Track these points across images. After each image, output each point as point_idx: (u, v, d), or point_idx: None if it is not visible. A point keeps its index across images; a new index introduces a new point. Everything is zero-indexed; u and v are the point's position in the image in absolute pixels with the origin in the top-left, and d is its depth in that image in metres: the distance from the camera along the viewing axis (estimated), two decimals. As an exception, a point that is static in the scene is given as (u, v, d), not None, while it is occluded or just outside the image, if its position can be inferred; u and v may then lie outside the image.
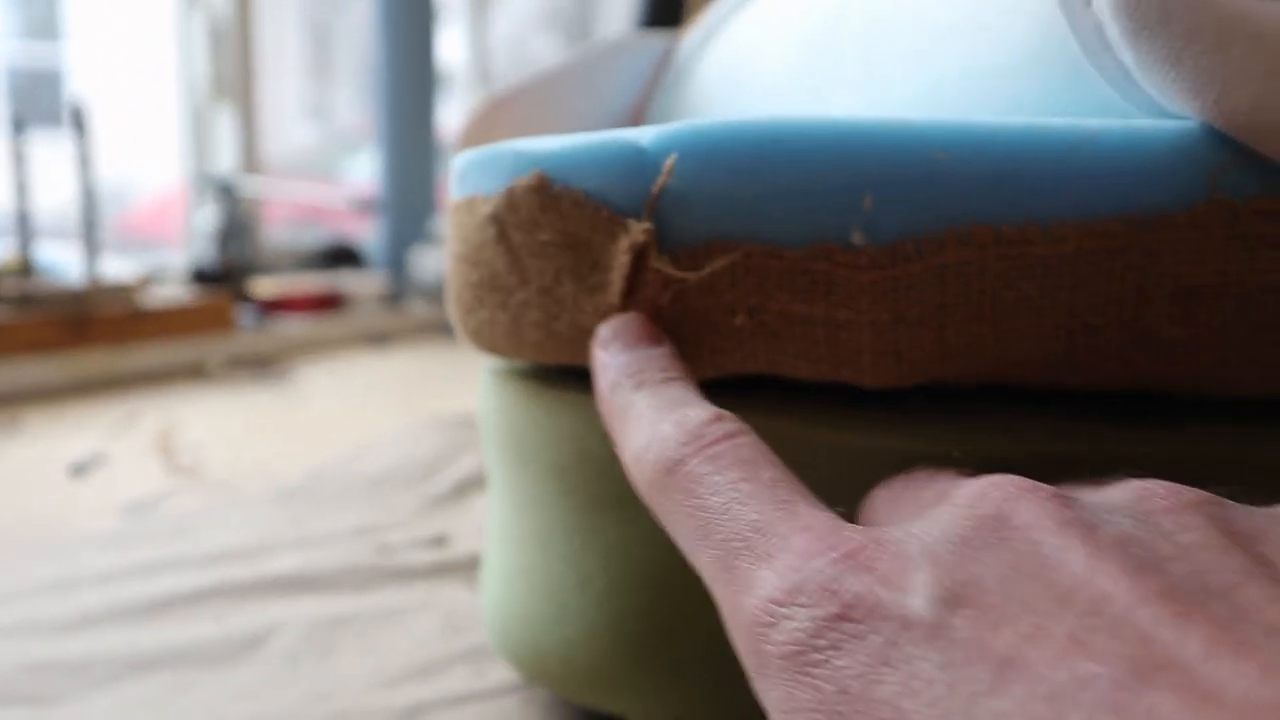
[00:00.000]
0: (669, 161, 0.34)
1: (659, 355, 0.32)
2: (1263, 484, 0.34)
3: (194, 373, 1.47)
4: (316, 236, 2.17)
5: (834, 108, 0.54)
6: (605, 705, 0.43)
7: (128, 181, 2.97)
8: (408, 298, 2.01)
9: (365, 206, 1.98)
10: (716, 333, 0.35)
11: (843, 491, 0.35)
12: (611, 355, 0.32)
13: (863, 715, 0.16)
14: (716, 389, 0.37)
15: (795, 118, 0.33)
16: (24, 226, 1.35)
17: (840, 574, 0.19)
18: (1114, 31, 0.31)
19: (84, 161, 1.40)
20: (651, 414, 0.28)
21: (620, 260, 0.35)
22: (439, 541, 0.75)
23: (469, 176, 0.42)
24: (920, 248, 0.32)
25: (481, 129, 0.80)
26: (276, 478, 0.94)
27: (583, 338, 0.38)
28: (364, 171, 4.60)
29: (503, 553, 0.47)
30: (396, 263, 2.11)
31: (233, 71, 1.85)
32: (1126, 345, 0.33)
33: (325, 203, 2.02)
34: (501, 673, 0.54)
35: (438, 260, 2.00)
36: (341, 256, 2.08)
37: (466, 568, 0.69)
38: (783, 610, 0.19)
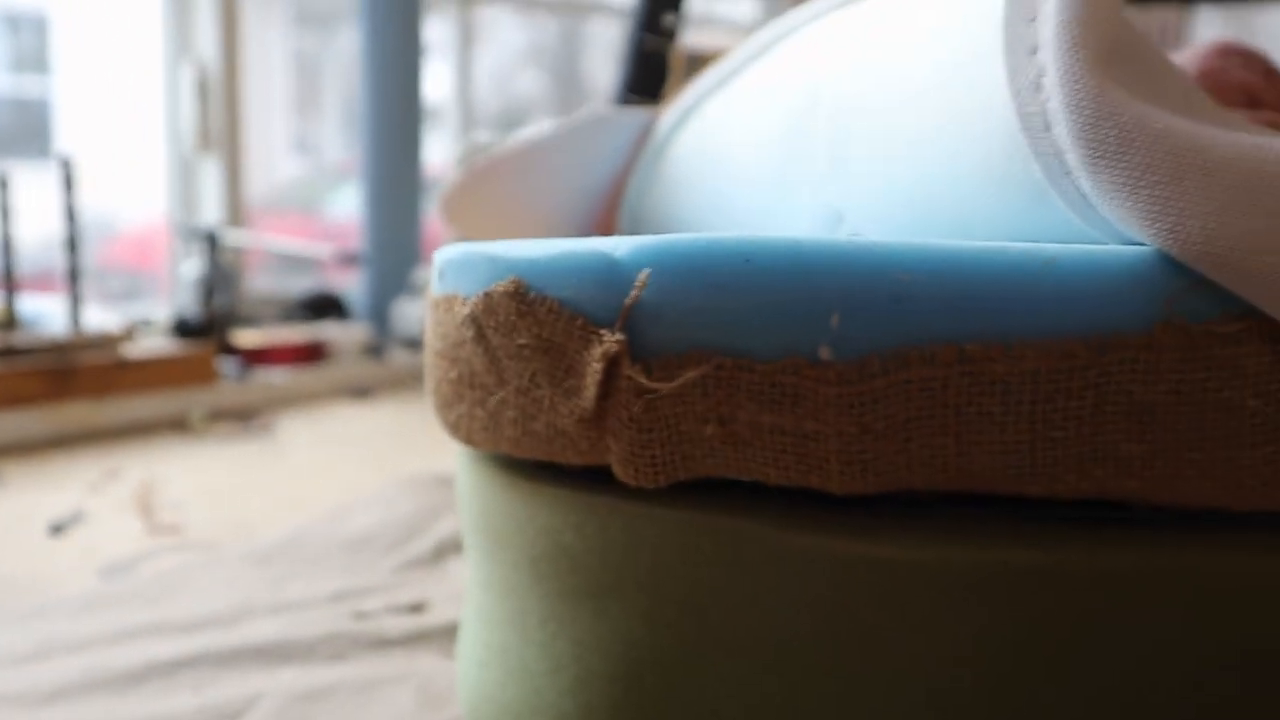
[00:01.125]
0: (642, 276, 0.35)
1: None
2: (1218, 591, 0.35)
3: (176, 425, 1.47)
4: (300, 284, 2.17)
5: (801, 202, 0.56)
6: (577, 794, 0.43)
7: (112, 212, 2.97)
8: (390, 349, 2.02)
9: (349, 260, 1.99)
10: (687, 440, 0.36)
11: (813, 589, 0.36)
12: None
13: None
14: (689, 488, 0.38)
15: (767, 238, 0.34)
16: (9, 278, 1.36)
17: None
18: (1073, 159, 0.33)
19: (70, 214, 1.41)
20: None
21: (593, 368, 0.36)
22: (416, 608, 0.75)
23: (448, 275, 0.43)
24: (886, 364, 0.33)
25: (463, 197, 0.82)
26: (257, 535, 0.94)
27: (559, 438, 0.39)
28: (349, 205, 4.62)
29: (479, 632, 0.48)
30: (379, 313, 2.12)
31: (219, 123, 1.87)
32: (1084, 458, 0.34)
33: (310, 254, 2.03)
34: (476, 751, 0.54)
35: (421, 311, 2.01)
36: (324, 306, 2.09)
37: (443, 635, 0.70)
38: None
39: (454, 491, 1.04)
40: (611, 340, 0.35)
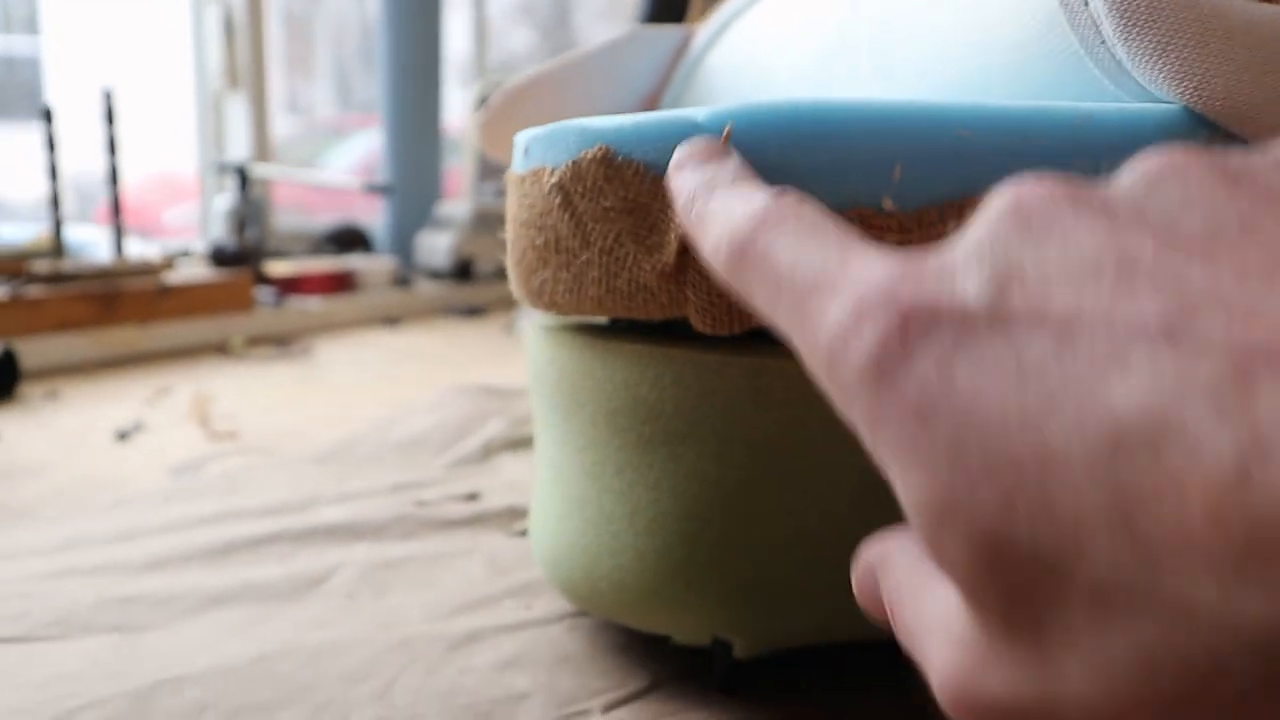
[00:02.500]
0: (727, 129, 0.39)
1: (728, 164, 0.33)
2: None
3: (217, 349, 1.52)
4: (323, 221, 2.21)
5: (845, 95, 0.59)
6: (653, 625, 0.48)
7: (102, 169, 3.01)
8: (415, 280, 2.06)
9: (378, 190, 2.02)
10: (763, 286, 0.40)
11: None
12: (686, 175, 0.33)
13: (946, 409, 0.17)
14: (758, 336, 0.42)
15: (835, 99, 0.38)
16: (55, 208, 1.40)
17: (895, 287, 0.19)
18: (1108, 28, 0.37)
19: (111, 147, 1.45)
20: (723, 210, 0.29)
21: (675, 223, 0.40)
22: (473, 496, 0.80)
23: (533, 151, 0.47)
24: (943, 213, 0.37)
25: (501, 118, 0.85)
26: (310, 442, 0.99)
27: (640, 293, 0.43)
28: (342, 164, 4.64)
29: (555, 492, 0.52)
30: (403, 246, 2.16)
31: (246, 62, 1.90)
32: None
33: (339, 186, 2.07)
34: (547, 605, 0.59)
35: (444, 243, 2.05)
36: (350, 240, 2.13)
37: (502, 518, 0.74)
38: (851, 331, 0.20)
39: (496, 399, 1.08)
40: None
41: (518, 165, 0.49)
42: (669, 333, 0.45)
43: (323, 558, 0.67)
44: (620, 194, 0.42)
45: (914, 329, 0.19)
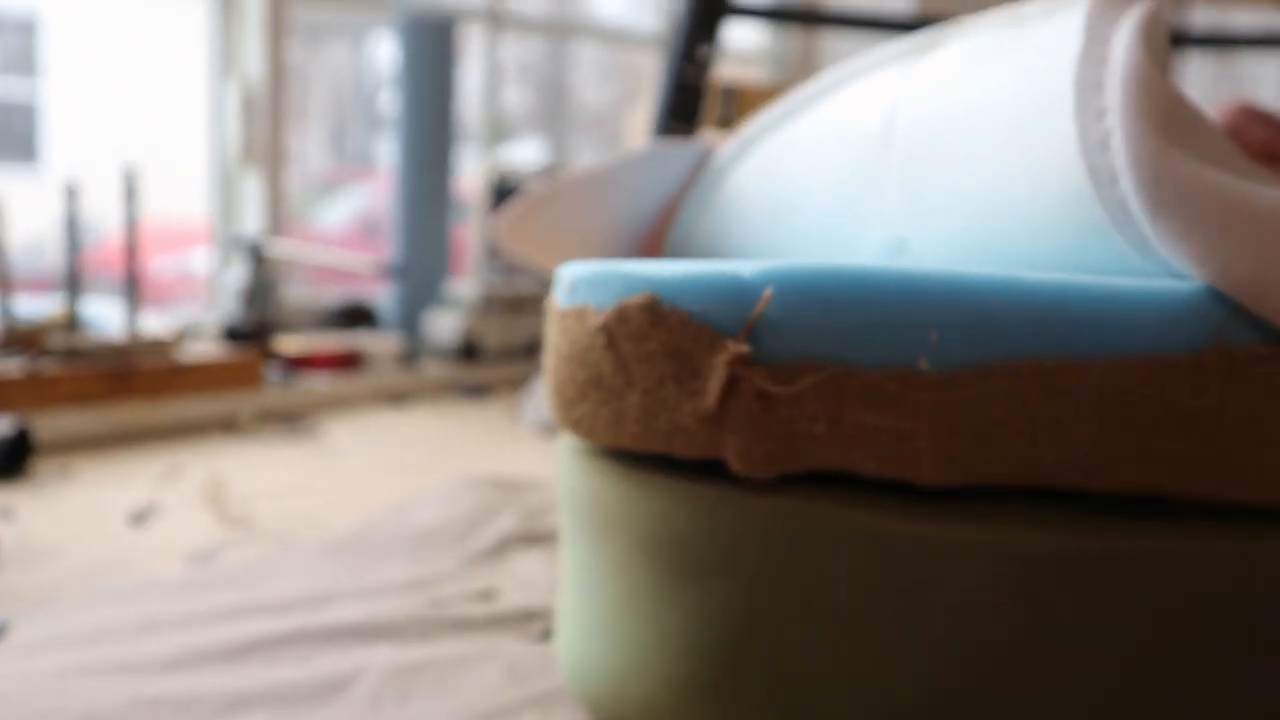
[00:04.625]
0: (766, 293, 0.41)
1: None
2: (1240, 573, 0.41)
3: (226, 425, 1.53)
4: (332, 296, 2.24)
5: (867, 230, 0.62)
6: (678, 747, 0.49)
7: (94, 219, 3.01)
8: (422, 358, 2.08)
9: (388, 273, 2.05)
10: (799, 437, 0.42)
11: (899, 568, 0.42)
12: None
13: None
14: (793, 479, 0.44)
15: (878, 266, 0.40)
16: (72, 283, 1.42)
17: None
18: (1135, 208, 0.39)
19: (131, 223, 1.47)
20: None
21: (719, 372, 0.42)
22: (487, 595, 0.81)
23: (579, 290, 0.49)
24: (974, 376, 0.39)
25: (522, 223, 0.88)
26: (323, 528, 1.00)
27: (680, 434, 0.45)
28: (336, 217, 4.67)
29: (584, 611, 0.54)
30: (411, 323, 2.18)
31: (264, 137, 1.93)
32: (1140, 458, 0.40)
33: (352, 268, 2.10)
34: (567, 716, 0.60)
35: (451, 322, 2.08)
36: (357, 316, 2.15)
37: (518, 620, 0.76)
38: None
39: (505, 492, 1.10)
40: (736, 348, 0.41)
41: (562, 300, 0.51)
42: (707, 468, 0.47)
43: (343, 660, 0.68)
44: (664, 339, 0.44)
45: None
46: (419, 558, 0.91)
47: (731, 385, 0.42)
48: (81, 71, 4.81)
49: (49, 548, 0.92)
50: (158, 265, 3.57)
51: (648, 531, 0.48)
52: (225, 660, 0.67)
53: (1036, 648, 0.42)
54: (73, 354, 1.39)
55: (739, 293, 0.42)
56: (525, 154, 4.10)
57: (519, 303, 2.23)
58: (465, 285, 2.18)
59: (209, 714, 0.60)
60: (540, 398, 1.68)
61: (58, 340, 1.40)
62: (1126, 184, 0.39)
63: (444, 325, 2.11)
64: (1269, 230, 0.37)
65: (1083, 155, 0.41)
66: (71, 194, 1.40)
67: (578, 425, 0.50)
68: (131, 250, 1.50)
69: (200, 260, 3.16)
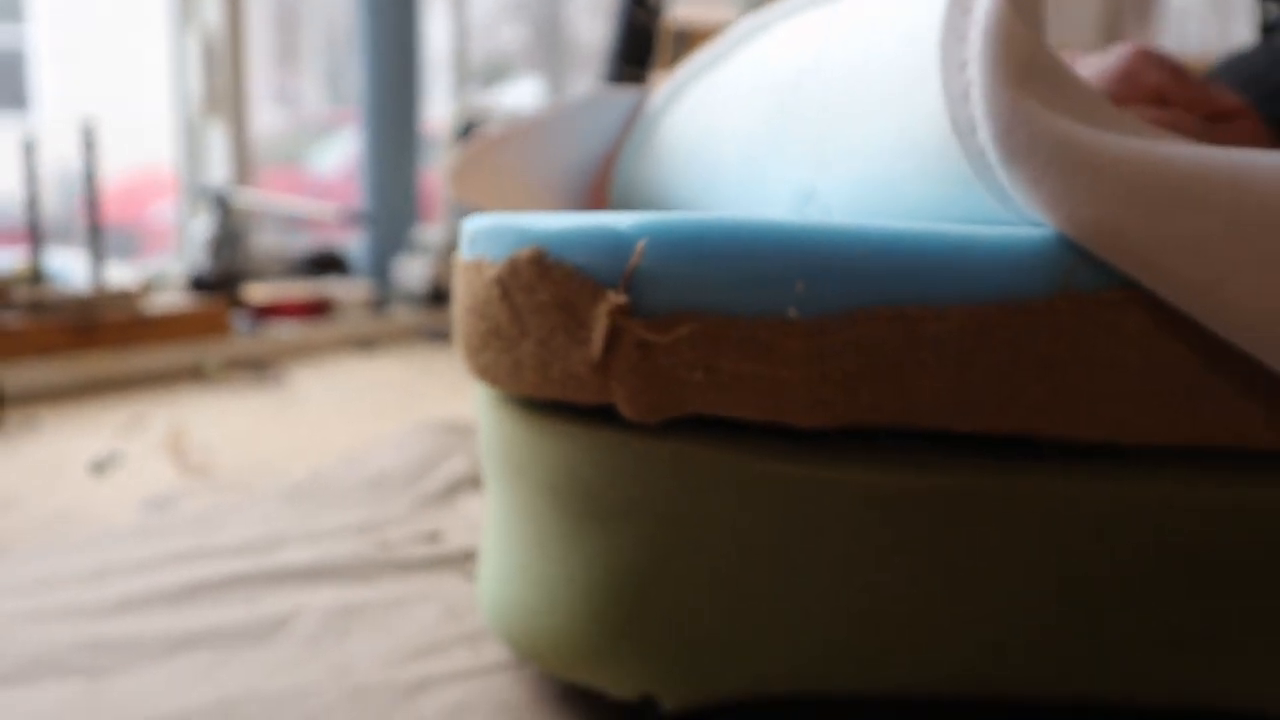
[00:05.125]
0: (640, 245, 0.43)
1: None
2: (1105, 510, 0.43)
3: (193, 375, 1.55)
4: (297, 242, 2.25)
5: (780, 177, 0.63)
6: (587, 680, 0.52)
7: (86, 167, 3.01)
8: (391, 304, 2.10)
9: (354, 220, 2.06)
10: (679, 384, 0.44)
11: (782, 507, 0.44)
12: None
13: None
14: (680, 424, 0.46)
15: (747, 217, 0.42)
16: (34, 235, 1.43)
17: None
18: (993, 157, 0.41)
19: (89, 176, 1.48)
20: None
21: (601, 322, 0.44)
22: (433, 537, 0.83)
23: (478, 242, 0.51)
24: (840, 323, 0.41)
25: (468, 170, 0.89)
26: (281, 475, 1.02)
27: (572, 381, 0.46)
28: (331, 159, 4.63)
29: (501, 551, 0.56)
30: (380, 270, 2.20)
31: (226, 87, 1.93)
32: (1001, 400, 0.42)
33: (315, 215, 2.10)
34: (496, 653, 0.62)
35: (420, 268, 2.09)
36: (327, 263, 2.16)
37: (460, 560, 0.78)
38: None
39: (459, 437, 1.12)
40: (616, 299, 0.43)
41: (465, 252, 0.53)
42: (605, 414, 0.49)
43: (287, 600, 0.70)
44: (552, 291, 0.46)
45: None
46: (371, 501, 0.93)
47: (614, 335, 0.44)
48: (67, 17, 4.76)
49: (10, 498, 0.94)
50: (155, 212, 3.55)
51: (553, 476, 0.50)
52: (171, 603, 0.70)
53: (917, 584, 0.45)
54: (37, 307, 1.41)
55: (617, 245, 0.44)
56: (522, 93, 4.07)
57: (489, 247, 2.23)
58: (434, 230, 2.19)
59: (152, 653, 0.62)
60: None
61: (21, 293, 1.41)
62: (984, 134, 0.41)
63: (413, 271, 2.13)
64: (1113, 178, 0.39)
65: (947, 107, 0.43)
66: (30, 148, 1.40)
67: (484, 373, 0.52)
68: (93, 202, 1.51)
69: (170, 211, 3.16)
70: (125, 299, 1.52)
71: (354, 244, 2.30)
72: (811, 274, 0.41)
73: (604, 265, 0.44)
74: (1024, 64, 0.41)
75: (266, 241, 2.19)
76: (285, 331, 1.77)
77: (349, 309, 1.98)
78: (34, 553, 0.79)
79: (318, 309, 1.90)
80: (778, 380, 0.42)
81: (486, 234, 0.50)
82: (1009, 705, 0.54)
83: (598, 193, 0.95)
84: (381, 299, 2.10)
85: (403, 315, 2.05)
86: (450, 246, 2.14)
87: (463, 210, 2.27)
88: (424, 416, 1.23)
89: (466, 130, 2.23)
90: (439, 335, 2.01)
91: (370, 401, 1.44)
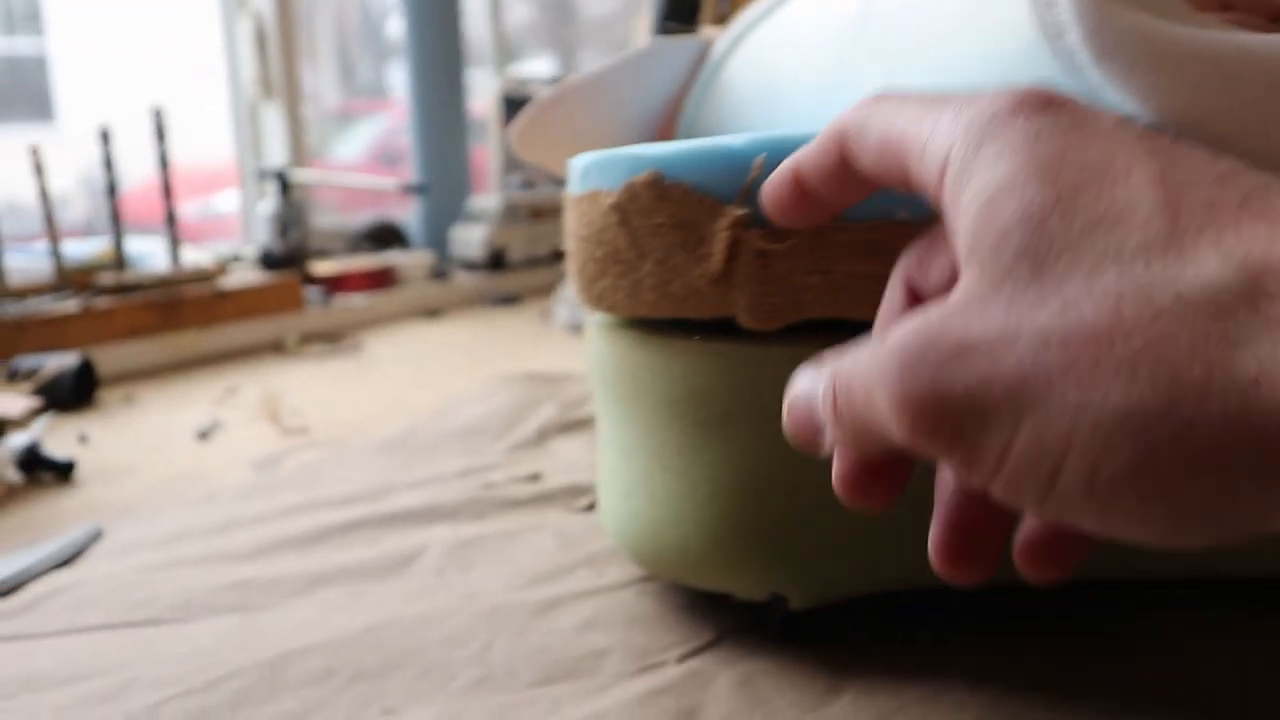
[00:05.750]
0: (759, 159, 0.45)
1: None
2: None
3: (274, 348, 1.60)
4: (359, 219, 2.29)
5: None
6: (716, 585, 0.55)
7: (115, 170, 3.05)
8: (452, 272, 2.14)
9: (413, 190, 2.10)
10: (797, 289, 0.46)
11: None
12: None
13: None
14: (797, 330, 0.48)
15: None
16: (116, 222, 1.48)
17: None
18: (1081, 58, 0.43)
19: (164, 163, 1.52)
20: None
21: (720, 236, 0.47)
22: (534, 477, 0.87)
23: (590, 175, 0.53)
24: (949, 219, 0.44)
25: (533, 129, 0.92)
26: (371, 433, 1.06)
27: (692, 296, 0.49)
28: (352, 150, 4.65)
29: (621, 471, 0.59)
30: (438, 240, 2.24)
31: (279, 72, 1.97)
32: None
33: (376, 188, 2.15)
34: (616, 572, 0.66)
35: (477, 235, 2.13)
36: (386, 236, 2.21)
37: (564, 496, 0.81)
38: None
39: (543, 386, 1.15)
40: (735, 212, 0.46)
41: (575, 187, 0.56)
42: (719, 328, 0.52)
43: (407, 539, 0.74)
44: (670, 212, 0.48)
45: None
46: (467, 450, 0.97)
47: (735, 247, 0.47)
48: (88, 24, 4.81)
49: (126, 466, 0.99)
50: (183, 209, 3.62)
51: (671, 391, 0.53)
52: (299, 547, 0.74)
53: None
54: (123, 289, 1.46)
55: (733, 162, 0.46)
56: (534, 72, 4.09)
57: (539, 211, 2.27)
58: (487, 199, 2.22)
59: (292, 590, 0.66)
60: (569, 300, 1.73)
61: (108, 277, 1.46)
62: (1073, 36, 0.43)
63: (470, 238, 2.16)
64: (1200, 67, 0.41)
65: (1033, 14, 0.45)
66: (106, 137, 1.45)
67: (599, 300, 0.55)
68: (168, 187, 1.55)
69: (225, 202, 3.21)
70: (203, 276, 1.56)
71: (410, 217, 2.34)
72: (920, 175, 0.44)
73: (720, 182, 0.47)
74: (1109, -35, 0.43)
75: (324, 220, 2.24)
76: (354, 303, 1.81)
77: (412, 279, 2.02)
78: (162, 510, 0.84)
79: (383, 280, 1.94)
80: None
81: (599, 166, 0.52)
82: (1107, 585, 0.56)
83: (662, 142, 0.97)
84: (442, 267, 2.14)
85: (463, 281, 2.09)
86: (505, 214, 2.17)
87: (513, 180, 2.30)
88: (497, 372, 1.27)
89: (513, 104, 2.26)
90: (500, 299, 2.05)
91: (443, 362, 1.48)
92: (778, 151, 0.45)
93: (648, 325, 0.55)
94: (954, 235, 0.27)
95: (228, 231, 3.05)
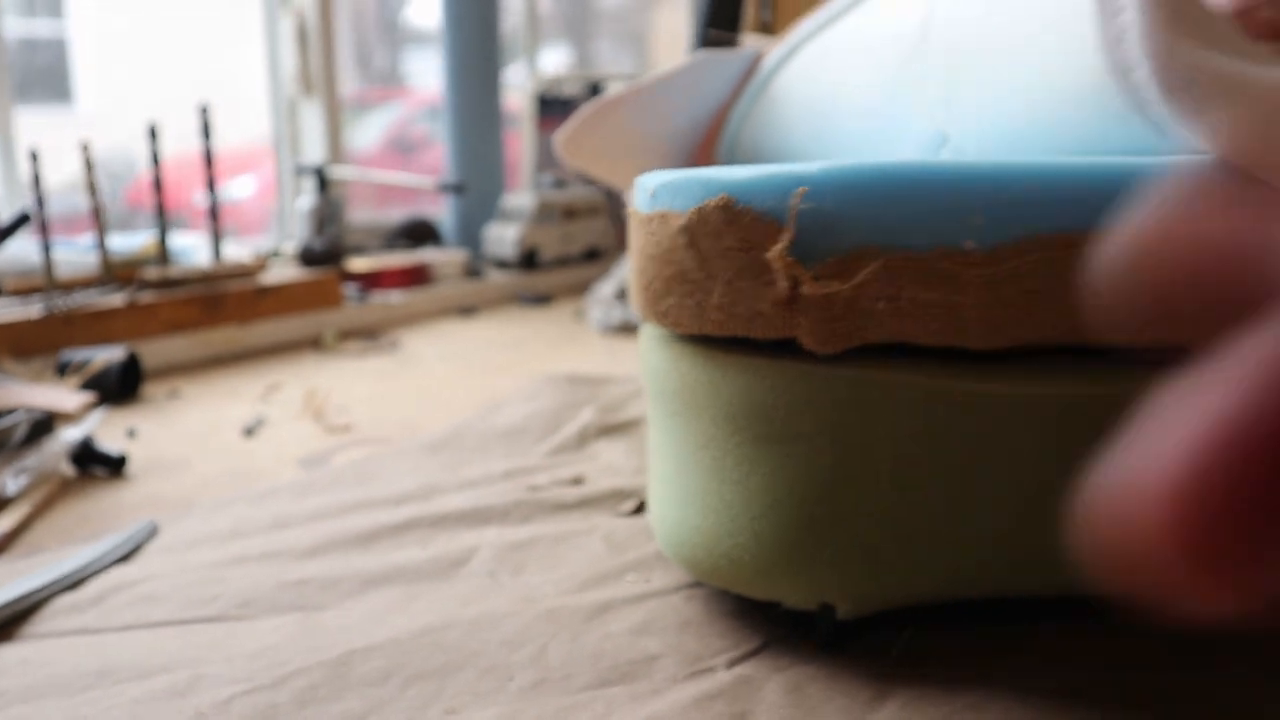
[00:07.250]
0: (798, 192, 0.47)
1: None
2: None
3: (313, 344, 1.62)
4: (393, 216, 2.31)
5: (909, 126, 0.67)
6: (767, 594, 0.57)
7: (129, 155, 3.07)
8: (485, 270, 2.15)
9: (450, 189, 2.12)
10: (862, 315, 0.48)
11: (955, 424, 0.49)
12: None
13: None
14: (861, 351, 0.50)
15: (925, 161, 0.46)
16: (161, 217, 1.50)
17: None
18: (1151, 94, 0.44)
19: (209, 160, 1.54)
20: None
21: (785, 263, 0.49)
22: (578, 481, 0.89)
23: (660, 195, 0.55)
24: (1014, 251, 0.45)
25: (580, 137, 0.94)
26: (415, 430, 1.08)
27: (758, 319, 0.51)
28: (369, 139, 4.66)
29: (674, 482, 0.61)
30: (471, 238, 2.25)
31: (319, 69, 1.99)
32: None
33: (414, 186, 2.17)
34: (664, 578, 0.67)
35: (510, 234, 2.14)
36: (421, 234, 2.23)
37: (608, 500, 0.83)
38: None
39: (586, 389, 1.17)
40: (784, 240, 0.48)
41: (643, 205, 0.57)
42: (781, 347, 0.53)
43: (457, 541, 0.76)
44: (739, 236, 0.50)
45: None
46: (511, 451, 0.99)
47: (795, 273, 0.48)
48: (108, 7, 4.83)
49: (176, 460, 1.01)
50: (196, 195, 3.64)
51: (732, 406, 0.55)
52: (355, 547, 0.76)
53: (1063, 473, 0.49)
54: (167, 283, 1.48)
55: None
56: (553, 62, 4.10)
57: (572, 211, 2.29)
58: (520, 197, 2.24)
59: (349, 590, 0.68)
60: (603, 301, 1.75)
61: (152, 272, 1.48)
62: (1141, 73, 0.44)
63: (503, 237, 2.18)
64: (1266, 105, 0.42)
65: (1104, 49, 0.46)
66: (154, 133, 1.47)
67: (664, 317, 0.56)
68: (211, 181, 1.57)
69: (238, 189, 3.23)
70: (244, 272, 1.59)
71: (444, 214, 2.36)
72: (988, 208, 0.45)
73: (788, 209, 0.48)
74: (1174, 7, 0.45)
75: (358, 216, 2.26)
76: (391, 299, 1.84)
77: (446, 276, 2.04)
78: (217, 507, 0.86)
79: (418, 277, 1.96)
80: (955, 306, 0.46)
81: (669, 187, 0.54)
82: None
83: (705, 153, 0.99)
84: (476, 265, 2.16)
85: (496, 280, 2.11)
86: (538, 213, 2.19)
87: (546, 179, 2.32)
88: (536, 372, 1.29)
89: (546, 102, 2.28)
90: (533, 298, 2.07)
91: (481, 361, 1.50)
92: (848, 181, 0.47)
93: (710, 341, 0.57)
94: None
95: (239, 218, 3.07)
